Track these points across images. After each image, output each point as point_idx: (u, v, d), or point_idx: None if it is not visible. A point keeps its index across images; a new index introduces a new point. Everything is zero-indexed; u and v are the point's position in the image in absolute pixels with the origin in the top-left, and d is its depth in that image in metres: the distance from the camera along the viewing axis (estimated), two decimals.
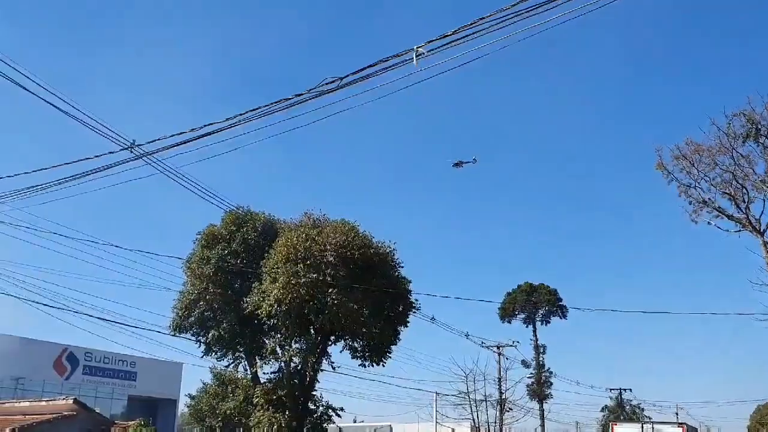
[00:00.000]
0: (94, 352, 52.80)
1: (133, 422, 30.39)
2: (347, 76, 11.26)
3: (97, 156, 15.03)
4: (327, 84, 11.57)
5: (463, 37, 10.02)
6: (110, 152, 15.01)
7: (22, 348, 47.40)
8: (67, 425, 28.92)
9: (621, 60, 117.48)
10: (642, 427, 36.29)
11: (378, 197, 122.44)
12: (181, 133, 13.93)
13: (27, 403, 32.08)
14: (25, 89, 14.32)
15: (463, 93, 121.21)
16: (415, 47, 10.39)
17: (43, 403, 31.33)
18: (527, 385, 60.93)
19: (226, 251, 26.14)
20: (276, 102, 12.45)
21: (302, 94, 12.05)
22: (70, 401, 30.82)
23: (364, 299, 24.33)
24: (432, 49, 10.36)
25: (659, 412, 71.93)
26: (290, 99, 12.27)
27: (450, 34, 10.13)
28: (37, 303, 20.06)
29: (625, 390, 69.77)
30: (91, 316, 21.97)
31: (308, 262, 23.88)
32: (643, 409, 72.18)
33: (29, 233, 19.44)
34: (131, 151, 15.14)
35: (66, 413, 29.60)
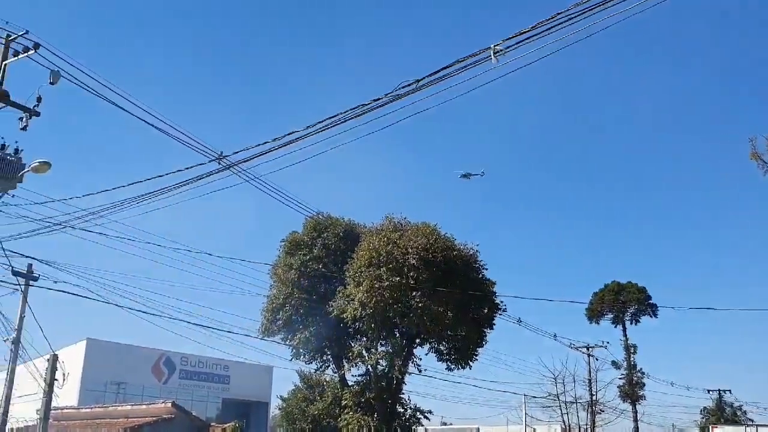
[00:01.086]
0: (189, 357, 54.85)
1: (228, 424, 31.39)
2: (423, 78, 11.31)
3: (188, 168, 15.64)
4: (404, 87, 11.64)
5: (542, 32, 9.88)
6: (200, 164, 15.59)
7: (123, 354, 49.83)
8: (166, 427, 30.17)
9: (708, 47, 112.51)
10: (745, 430, 34.56)
11: (459, 199, 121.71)
12: (265, 143, 14.32)
13: (129, 407, 33.67)
14: (125, 110, 15.07)
15: (542, 88, 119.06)
16: (492, 45, 10.33)
17: (144, 406, 32.81)
18: (618, 387, 59.05)
19: (308, 257, 26.68)
20: (354, 108, 12.63)
21: (380, 99, 12.18)
22: (169, 404, 32.14)
23: (448, 302, 24.26)
24: (509, 46, 10.29)
25: (762, 414, 68.21)
26: (368, 104, 12.42)
27: (527, 31, 10.02)
28: (136, 310, 21.01)
29: (724, 391, 66.58)
30: (186, 321, 22.84)
31: (391, 265, 24.03)
32: (744, 411, 68.64)
33: (128, 244, 20.41)
34: (219, 162, 15.72)
35: (165, 416, 30.89)
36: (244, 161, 15.29)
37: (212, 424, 33.63)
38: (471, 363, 27.40)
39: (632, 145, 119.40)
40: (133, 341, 54.77)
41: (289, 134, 13.78)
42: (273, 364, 45.96)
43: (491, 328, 27.41)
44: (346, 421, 26.01)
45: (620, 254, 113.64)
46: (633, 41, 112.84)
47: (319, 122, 13.19)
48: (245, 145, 14.73)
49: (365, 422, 25.41)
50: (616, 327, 62.20)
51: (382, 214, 28.13)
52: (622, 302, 61.45)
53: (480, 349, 27.46)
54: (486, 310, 26.93)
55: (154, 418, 30.58)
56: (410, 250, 24.36)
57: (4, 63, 14.86)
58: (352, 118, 12.72)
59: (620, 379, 59.31)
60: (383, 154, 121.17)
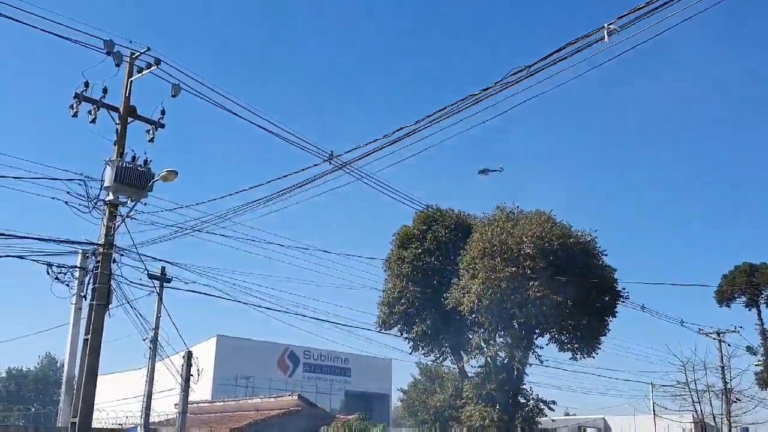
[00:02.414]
0: (312, 351, 56.62)
1: (352, 416, 32.16)
2: (535, 63, 11.04)
3: (303, 169, 16.13)
4: (514, 74, 11.42)
5: (658, 7, 9.40)
6: (314, 165, 16.02)
7: (250, 349, 52.13)
8: (294, 419, 31.26)
9: None
10: None
11: (574, 184, 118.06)
12: (375, 140, 14.49)
13: (258, 400, 35.20)
14: (240, 117, 15.74)
15: (654, 66, 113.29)
16: (605, 24, 9.93)
17: (272, 399, 34.17)
18: (755, 374, 55.40)
19: (420, 250, 26.79)
20: (462, 99, 12.52)
21: (489, 88, 12.01)
22: (295, 397, 33.30)
23: (566, 291, 23.68)
24: (623, 25, 9.86)
25: None
26: (477, 94, 12.27)
27: (642, 6, 9.56)
28: (261, 306, 21.87)
29: None
30: (307, 317, 23.54)
31: (506, 256, 23.70)
32: None
33: (250, 244, 21.27)
34: (330, 162, 16.09)
35: (293, 408, 32.01)
36: (356, 160, 15.54)
37: (337, 416, 34.57)
38: (594, 352, 26.66)
39: None
40: (259, 337, 57.12)
41: (398, 130, 13.87)
42: (392, 357, 46.63)
43: (613, 316, 26.53)
44: (468, 413, 25.95)
45: (751, 235, 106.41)
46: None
47: (428, 116, 13.19)
48: (356, 143, 14.99)
49: (487, 413, 25.24)
50: (750, 310, 58.43)
51: (493, 204, 27.78)
52: (755, 284, 57.66)
53: (603, 338, 26.66)
54: (607, 298, 26.09)
55: (283, 411, 31.77)
56: (525, 240, 23.92)
57: (130, 80, 15.83)
58: (462, 109, 12.62)
59: (757, 365, 55.70)
60: (492, 142, 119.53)
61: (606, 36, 9.99)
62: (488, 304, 23.70)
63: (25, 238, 14.85)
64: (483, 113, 12.77)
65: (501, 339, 26.33)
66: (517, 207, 26.72)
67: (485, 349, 26.12)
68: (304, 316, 23.09)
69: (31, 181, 14.75)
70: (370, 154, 14.82)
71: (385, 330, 27.89)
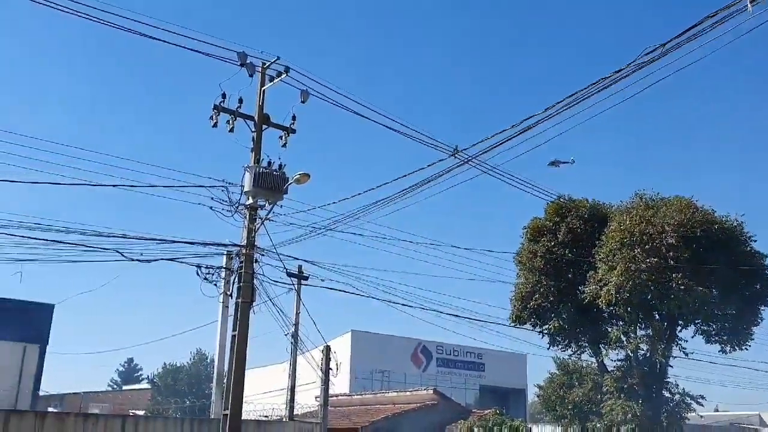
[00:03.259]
0: (444, 345, 56.79)
1: (488, 411, 31.99)
2: (670, 41, 10.48)
3: (429, 165, 16.24)
4: (648, 54, 10.89)
5: None
6: (440, 160, 16.08)
7: (383, 344, 53.09)
8: (430, 413, 31.60)
9: None
10: None
11: (718, 167, 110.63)
12: (502, 131, 14.31)
13: (395, 394, 35.86)
14: (365, 117, 16.09)
15: None
16: None
17: (408, 393, 34.70)
18: None
19: (553, 243, 26.07)
20: (593, 83, 12.09)
21: (621, 70, 11.52)
22: (431, 391, 33.62)
23: (712, 280, 22.33)
24: None
25: None
26: (609, 77, 11.81)
27: None
28: (393, 302, 22.23)
29: None
30: (443, 313, 23.66)
31: (646, 246, 22.68)
32: None
33: (381, 242, 21.70)
34: (455, 157, 16.07)
35: (428, 402, 32.37)
36: (482, 153, 15.43)
37: (473, 410, 34.53)
38: (746, 344, 24.98)
39: None
40: (392, 331, 58.05)
41: (527, 119, 13.61)
42: (527, 352, 45.88)
43: (766, 305, 24.74)
44: (609, 407, 25.09)
45: None
46: None
47: (558, 102, 12.84)
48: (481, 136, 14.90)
49: (630, 408, 24.28)
50: None
51: (629, 192, 26.64)
52: None
53: (755, 328, 24.95)
54: (758, 286, 24.35)
55: (419, 405, 32.20)
56: (666, 228, 22.76)
57: (262, 89, 16.60)
58: (591, 94, 12.19)
59: None
60: (622, 130, 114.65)
61: (749, 5, 9.34)
62: (627, 296, 22.77)
63: (176, 242, 16.01)
64: (612, 98, 12.29)
65: (642, 332, 25.24)
66: (657, 193, 25.50)
67: (625, 342, 25.14)
68: (440, 312, 23.23)
69: (180, 190, 15.86)
70: (497, 146, 14.64)
71: (519, 325, 27.47)
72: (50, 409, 26.97)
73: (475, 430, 29.37)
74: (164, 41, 13.87)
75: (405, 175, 16.86)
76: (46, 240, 14.73)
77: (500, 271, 27.75)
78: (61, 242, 14.89)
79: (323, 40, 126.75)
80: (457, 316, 23.83)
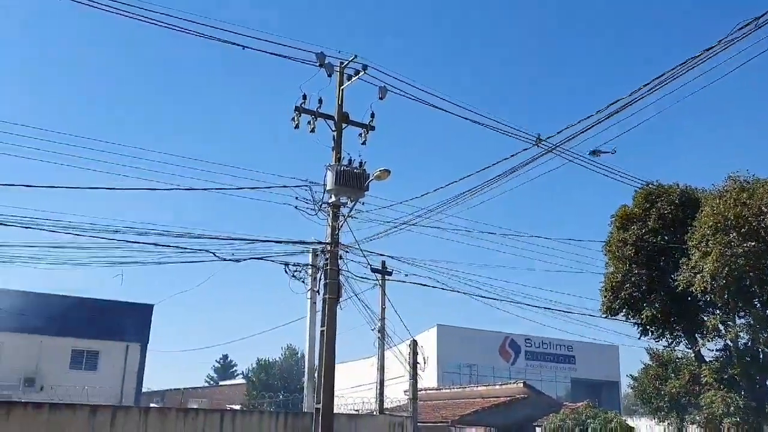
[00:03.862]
0: (532, 338, 56.03)
1: (580, 404, 31.37)
2: (764, 15, 9.94)
3: (512, 155, 16.11)
4: (740, 29, 10.37)
5: None
6: (523, 149, 15.91)
7: (470, 337, 52.88)
8: (520, 407, 31.28)
9: None
10: None
11: None
12: (588, 117, 13.99)
13: (483, 388, 35.68)
14: (443, 110, 16.11)
15: None
16: None
17: (498, 386, 34.44)
18: None
19: (643, 230, 25.25)
20: (683, 63, 11.63)
21: (712, 48, 11.03)
22: (520, 385, 33.26)
23: None
24: None
25: None
26: (699, 56, 11.34)
27: None
28: (479, 296, 22.14)
29: None
30: (526, 304, 23.42)
31: (742, 230, 21.62)
32: None
33: (463, 235, 21.67)
34: (538, 146, 15.85)
35: (518, 396, 32.03)
36: (566, 141, 15.15)
37: (564, 403, 33.93)
38: None
39: None
40: (472, 325, 57.76)
41: (612, 103, 13.25)
42: (619, 343, 44.66)
43: None
44: (708, 399, 24.07)
45: None
46: None
47: (645, 84, 12.43)
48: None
49: (731, 400, 23.21)
50: None
51: (721, 176, 25.46)
52: None
53: None
54: None
55: (509, 398, 31.91)
56: (764, 210, 21.63)
57: (341, 88, 16.88)
58: (679, 75, 11.74)
59: None
60: (710, 112, 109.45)
61: None
62: (724, 283, 21.78)
63: (265, 241, 16.54)
64: (702, 78, 11.79)
65: (741, 320, 24.08)
66: (753, 175, 24.24)
67: (723, 331, 24.05)
68: (528, 305, 23.01)
69: (265, 191, 16.35)
70: (582, 132, 14.34)
71: (611, 316, 26.76)
72: (152, 405, 28.30)
73: (568, 422, 28.85)
74: (247, 47, 14.31)
75: (488, 167, 16.80)
76: (145, 243, 15.50)
77: (584, 260, 27.07)
78: (157, 245, 15.64)
79: (387, 39, 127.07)
80: (548, 309, 23.53)
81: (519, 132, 16.01)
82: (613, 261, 26.16)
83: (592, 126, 13.83)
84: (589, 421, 28.05)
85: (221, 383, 77.62)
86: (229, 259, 16.29)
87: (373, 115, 16.84)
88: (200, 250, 15.98)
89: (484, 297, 21.88)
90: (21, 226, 14.08)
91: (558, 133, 15.14)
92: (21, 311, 30.16)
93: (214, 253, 16.06)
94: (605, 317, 26.64)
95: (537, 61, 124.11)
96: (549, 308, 23.43)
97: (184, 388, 52.22)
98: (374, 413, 24.23)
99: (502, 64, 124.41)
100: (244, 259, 16.50)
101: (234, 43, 13.97)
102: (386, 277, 22.87)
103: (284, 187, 16.23)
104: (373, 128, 16.94)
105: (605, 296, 26.31)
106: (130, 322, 34.22)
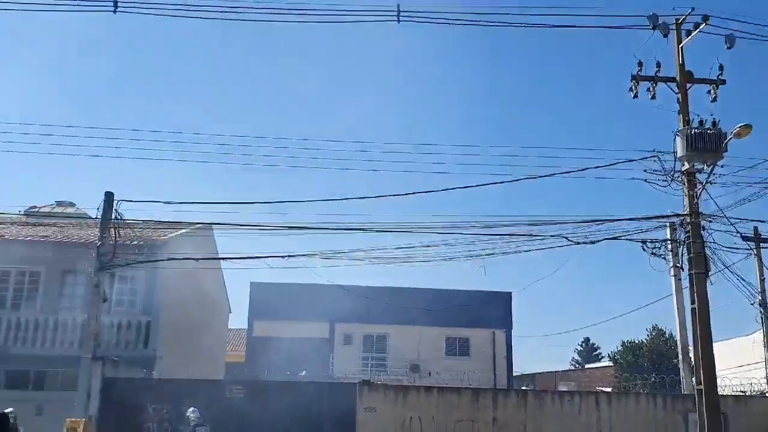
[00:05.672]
0: None
1: None
2: None
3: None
4: None
5: None
6: None
7: None
8: None
9: None
10: None
11: None
12: None
13: None
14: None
15: None
16: None
17: None
18: None
19: None
20: None
21: None
22: None
23: None
24: None
25: None
26: None
27: None
28: None
29: None
30: None
31: None
32: None
33: None
34: None
35: None
36: None
37: None
38: None
39: None
40: None
41: None
42: None
43: None
44: None
45: None
46: None
47: None
48: None
49: None
50: None
51: None
52: None
53: None
54: None
55: None
56: None
57: (680, 46, 15.70)
58: None
59: None
60: None
61: None
62: None
63: (617, 220, 16.15)
64: None
65: None
66: None
67: None
68: None
69: (610, 168, 15.94)
70: None
71: None
72: (524, 388, 29.55)
73: None
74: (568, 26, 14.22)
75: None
76: (501, 235, 16.34)
77: None
78: (512, 235, 16.35)
79: None
80: None
81: None
82: None
83: None
84: None
85: (587, 366, 77.15)
86: (584, 242, 16.22)
87: (721, 68, 15.32)
88: (553, 235, 16.23)
89: None
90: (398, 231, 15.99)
91: None
92: (402, 306, 33.72)
93: (567, 237, 16.18)
94: None
95: None
96: None
97: (554, 372, 52.98)
98: (767, 395, 22.02)
99: None
100: (599, 241, 16.27)
101: (563, 25, 13.98)
102: (761, 244, 20.53)
103: (630, 161, 15.59)
104: (723, 82, 15.43)
105: None
106: (493, 309, 35.98)
